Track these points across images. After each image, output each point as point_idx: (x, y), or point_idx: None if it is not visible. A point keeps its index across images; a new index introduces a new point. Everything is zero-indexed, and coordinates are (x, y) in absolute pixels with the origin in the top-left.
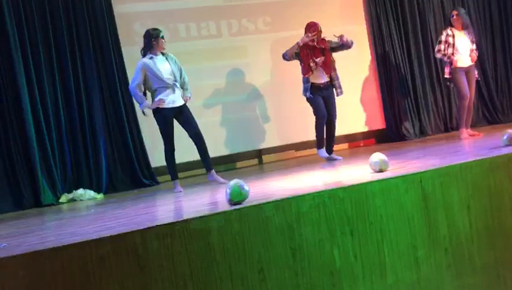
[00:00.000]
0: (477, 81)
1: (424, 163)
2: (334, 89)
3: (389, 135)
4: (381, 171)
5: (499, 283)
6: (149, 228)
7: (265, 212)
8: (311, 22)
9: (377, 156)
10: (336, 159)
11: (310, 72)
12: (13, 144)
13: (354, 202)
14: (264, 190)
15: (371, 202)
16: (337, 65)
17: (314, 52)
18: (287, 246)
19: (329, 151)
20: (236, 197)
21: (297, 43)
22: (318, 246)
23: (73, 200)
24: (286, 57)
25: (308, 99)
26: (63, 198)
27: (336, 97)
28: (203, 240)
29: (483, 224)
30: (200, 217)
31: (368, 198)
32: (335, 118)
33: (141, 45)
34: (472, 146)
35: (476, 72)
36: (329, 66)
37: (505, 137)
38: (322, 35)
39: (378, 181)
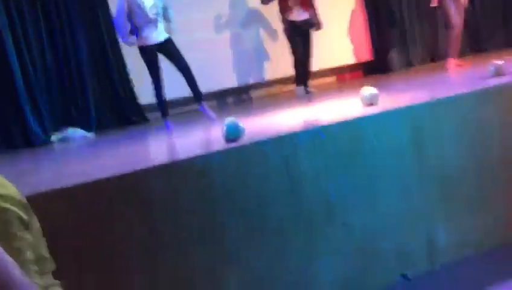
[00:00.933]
0: (468, 6)
1: (413, 95)
2: (312, 26)
3: (376, 67)
4: (372, 104)
5: (483, 210)
6: (154, 166)
7: (263, 149)
8: None
9: (368, 90)
10: (310, 92)
11: (289, 11)
12: None
13: (348, 137)
14: (259, 126)
15: (364, 136)
16: None
17: None
18: (285, 181)
19: (306, 83)
20: (233, 134)
21: None
22: (314, 180)
23: (63, 139)
24: (265, 1)
25: (287, 38)
26: (53, 137)
27: (312, 36)
28: (205, 177)
29: (472, 156)
30: (201, 155)
31: (362, 132)
32: (310, 56)
33: None
34: (460, 77)
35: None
36: (307, 3)
37: (492, 68)
38: None
39: (370, 116)
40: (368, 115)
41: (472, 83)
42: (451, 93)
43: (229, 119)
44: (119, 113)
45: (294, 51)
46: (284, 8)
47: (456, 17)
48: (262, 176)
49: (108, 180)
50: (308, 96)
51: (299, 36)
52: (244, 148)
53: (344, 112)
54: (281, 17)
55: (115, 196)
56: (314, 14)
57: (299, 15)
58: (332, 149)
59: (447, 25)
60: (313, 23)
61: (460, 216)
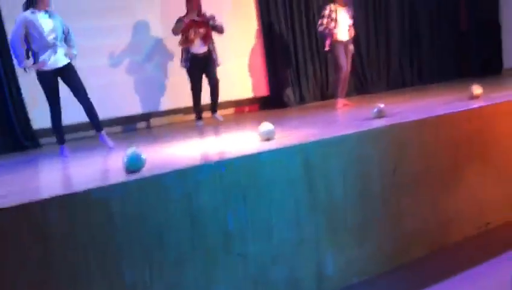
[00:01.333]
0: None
1: (306, 133)
2: (211, 60)
3: (272, 102)
4: (268, 140)
5: (366, 239)
6: (50, 198)
7: (165, 182)
8: None
9: (265, 126)
10: (218, 119)
11: (191, 43)
12: None
13: (246, 171)
14: (160, 157)
15: (261, 170)
16: (226, 33)
17: (197, 24)
18: (185, 213)
19: (214, 111)
20: (134, 166)
21: (183, 21)
22: (214, 212)
23: None
24: (174, 34)
25: (186, 69)
26: None
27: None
28: (105, 209)
29: (356, 190)
30: (101, 187)
31: (259, 167)
32: (217, 82)
33: None
34: (347, 117)
35: (352, 47)
36: (209, 37)
37: (375, 110)
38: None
39: (267, 152)
40: (265, 151)
41: (356, 124)
42: (337, 133)
43: (130, 150)
44: (12, 137)
45: (193, 84)
46: (186, 40)
47: (344, 62)
48: (163, 208)
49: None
50: (208, 128)
51: (199, 69)
52: (145, 181)
53: (243, 145)
54: (181, 48)
55: (7, 227)
56: (213, 48)
57: (199, 48)
58: (232, 182)
59: (336, 68)
60: (212, 58)
61: (346, 246)
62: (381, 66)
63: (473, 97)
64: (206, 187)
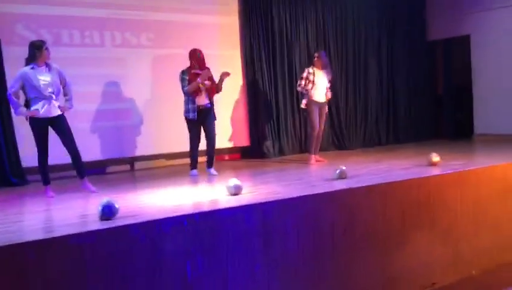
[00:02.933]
0: (328, 114)
1: (270, 190)
2: (212, 112)
3: (252, 152)
4: (235, 194)
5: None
6: (28, 242)
7: (132, 231)
8: (195, 50)
9: (233, 182)
10: (212, 174)
11: (198, 93)
12: None
13: (208, 225)
14: (132, 205)
15: (221, 225)
16: None
17: (202, 76)
18: (149, 261)
19: (210, 166)
20: (107, 214)
21: (197, 82)
22: (175, 261)
23: None
24: (189, 94)
25: (187, 120)
26: None
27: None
28: (77, 254)
29: (308, 245)
30: (74, 234)
31: (219, 222)
32: (215, 138)
33: (23, 45)
34: (313, 175)
35: (326, 108)
36: (213, 92)
37: (337, 172)
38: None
39: (228, 209)
40: (225, 208)
41: (317, 184)
42: (296, 193)
43: (105, 200)
44: (1, 173)
45: (192, 135)
46: (193, 91)
47: (317, 122)
48: (129, 255)
49: None
50: (188, 177)
51: (200, 121)
52: (114, 230)
53: (210, 198)
54: (184, 98)
55: None
56: (213, 103)
57: (203, 100)
58: (193, 235)
59: (310, 125)
60: (213, 112)
61: None
62: (358, 124)
63: (431, 164)
64: (169, 237)
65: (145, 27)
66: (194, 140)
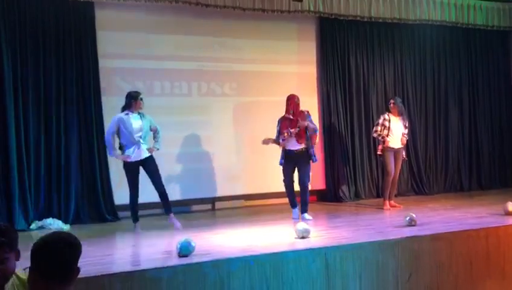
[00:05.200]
0: (406, 159)
1: (338, 234)
2: (308, 156)
3: (328, 196)
4: (303, 237)
5: None
6: (115, 273)
7: (203, 269)
8: (290, 95)
9: (302, 225)
10: (306, 219)
11: (283, 142)
12: None
13: (273, 266)
14: (207, 244)
15: (285, 266)
16: None
17: (291, 123)
18: None
19: (303, 211)
20: (184, 251)
21: (282, 133)
22: None
23: (42, 227)
24: (280, 145)
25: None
26: (33, 225)
27: (310, 163)
28: (155, 286)
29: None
30: (155, 268)
31: (284, 263)
32: (307, 182)
33: (120, 95)
34: (384, 221)
35: (404, 153)
36: (302, 136)
37: (407, 218)
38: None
39: (292, 251)
40: (290, 251)
41: (383, 232)
42: (363, 239)
43: (184, 238)
44: (96, 210)
45: (285, 178)
46: (278, 141)
47: (392, 167)
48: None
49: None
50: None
51: (292, 164)
52: (189, 266)
53: (277, 240)
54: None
55: None
56: (309, 146)
57: (293, 145)
58: (259, 274)
59: (385, 172)
60: (307, 155)
61: None
62: (438, 169)
63: (507, 213)
64: (236, 276)
65: (229, 78)
66: (286, 183)
